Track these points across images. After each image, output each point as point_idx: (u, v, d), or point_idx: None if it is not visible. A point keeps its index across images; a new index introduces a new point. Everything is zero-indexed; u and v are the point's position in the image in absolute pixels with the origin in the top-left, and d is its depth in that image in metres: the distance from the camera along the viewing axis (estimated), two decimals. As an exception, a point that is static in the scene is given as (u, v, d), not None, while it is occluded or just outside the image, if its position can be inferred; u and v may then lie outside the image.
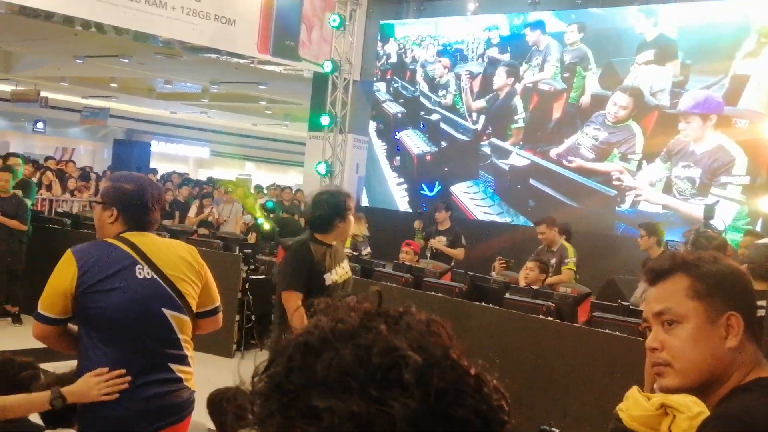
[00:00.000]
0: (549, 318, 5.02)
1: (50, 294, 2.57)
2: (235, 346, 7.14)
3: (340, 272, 3.81)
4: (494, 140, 11.56)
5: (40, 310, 2.57)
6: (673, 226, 8.77)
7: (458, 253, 8.11)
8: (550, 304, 5.11)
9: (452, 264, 7.58)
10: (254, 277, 7.43)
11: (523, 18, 11.40)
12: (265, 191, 13.68)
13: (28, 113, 24.89)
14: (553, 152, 10.85)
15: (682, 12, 9.93)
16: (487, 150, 11.63)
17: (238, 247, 7.70)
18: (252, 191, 13.41)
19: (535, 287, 5.75)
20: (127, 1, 10.10)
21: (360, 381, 0.70)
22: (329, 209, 3.79)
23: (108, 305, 2.54)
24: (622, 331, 4.59)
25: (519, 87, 11.33)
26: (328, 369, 0.71)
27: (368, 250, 8.46)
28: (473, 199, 11.72)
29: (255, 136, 30.04)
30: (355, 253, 7.90)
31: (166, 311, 2.60)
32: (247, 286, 7.22)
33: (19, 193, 7.49)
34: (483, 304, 5.36)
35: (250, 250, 7.88)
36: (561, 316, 5.08)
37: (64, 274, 2.54)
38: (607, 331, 4.68)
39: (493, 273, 6.97)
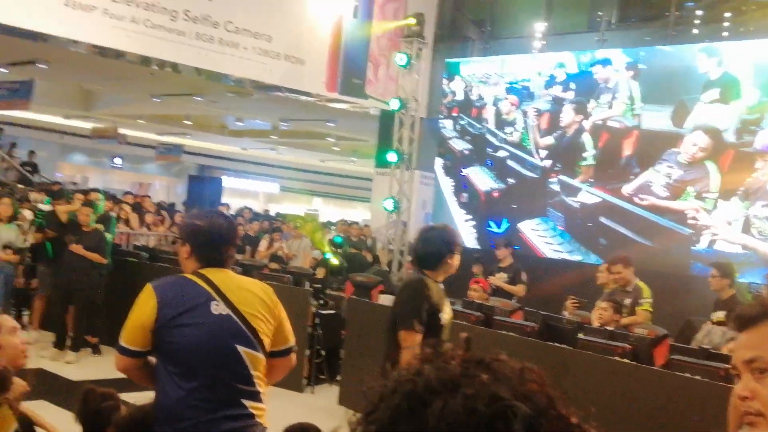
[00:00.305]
0: (625, 360, 4.87)
1: (131, 327, 2.64)
2: (305, 381, 7.18)
3: (448, 311, 3.71)
4: (563, 177, 11.42)
5: (121, 342, 2.65)
6: (753, 267, 8.46)
7: (518, 290, 8.00)
8: (626, 345, 4.97)
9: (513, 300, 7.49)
10: (324, 311, 7.49)
11: (590, 56, 11.32)
12: (334, 227, 13.82)
13: (107, 150, 25.90)
14: (625, 190, 10.64)
15: (753, 49, 9.69)
16: (555, 187, 11.50)
17: (307, 282, 7.77)
18: (321, 226, 13.59)
19: (609, 328, 5.60)
20: (202, 42, 10.47)
21: (470, 431, 0.70)
22: (441, 245, 3.72)
23: (184, 340, 2.59)
24: (703, 375, 4.42)
25: (587, 124, 11.20)
26: (438, 419, 0.71)
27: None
28: (542, 237, 11.57)
29: (323, 172, 30.50)
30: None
31: (239, 347, 2.63)
32: (316, 321, 7.28)
33: (101, 227, 7.75)
34: (556, 344, 5.25)
35: (319, 285, 7.95)
36: (637, 359, 4.93)
37: (144, 307, 2.61)
38: (687, 375, 4.51)
39: (565, 312, 6.83)
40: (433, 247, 3.72)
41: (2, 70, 15.92)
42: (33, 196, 11.07)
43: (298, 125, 20.56)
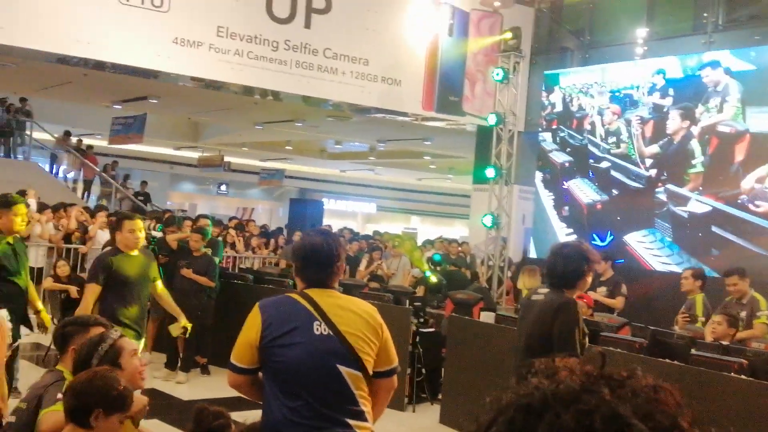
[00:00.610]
0: (742, 376, 4.63)
1: (240, 345, 2.73)
2: (406, 399, 7.19)
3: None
4: (670, 186, 11.00)
5: (231, 360, 2.74)
6: None
7: (616, 302, 7.78)
8: (743, 360, 4.72)
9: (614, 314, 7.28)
10: (424, 330, 7.48)
11: (697, 59, 10.90)
12: (432, 245, 13.83)
13: (213, 177, 27.00)
14: (738, 197, 10.14)
15: None
16: (662, 197, 11.09)
17: (407, 301, 7.80)
18: (419, 245, 13.61)
19: (724, 343, 5.34)
20: (302, 69, 10.79)
21: None
22: (581, 262, 3.67)
23: (287, 359, 2.65)
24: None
25: (696, 130, 10.76)
26: None
27: None
28: (649, 249, 11.16)
29: (420, 191, 30.63)
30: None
31: (341, 368, 2.66)
32: (417, 339, 7.28)
33: (209, 251, 8.07)
34: (667, 360, 5.05)
35: (419, 303, 7.96)
36: (755, 374, 4.67)
37: (251, 326, 2.70)
38: (812, 391, 4.24)
39: (676, 327, 6.56)
40: (574, 264, 3.67)
41: (117, 106, 16.94)
42: (146, 223, 11.66)
43: (395, 145, 20.78)
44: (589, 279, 3.68)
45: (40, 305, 5.51)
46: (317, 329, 2.67)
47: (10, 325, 4.15)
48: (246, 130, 20.42)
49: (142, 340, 5.17)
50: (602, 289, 7.89)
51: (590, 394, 0.73)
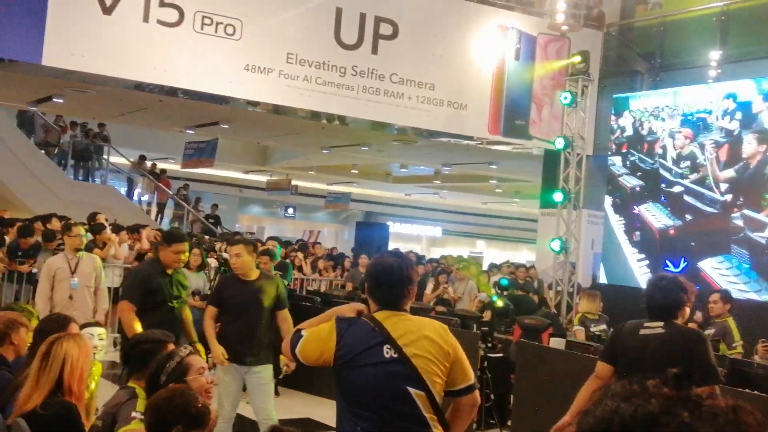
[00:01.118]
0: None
1: (310, 348, 2.77)
2: (475, 425, 7.10)
3: None
4: (747, 212, 10.64)
5: (296, 351, 2.78)
6: None
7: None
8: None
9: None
10: (492, 355, 7.40)
11: (774, 81, 10.56)
12: (498, 269, 13.69)
13: (281, 200, 27.48)
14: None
15: None
16: (739, 222, 10.72)
17: (475, 325, 7.73)
18: (484, 269, 13.49)
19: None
20: (368, 95, 10.92)
21: None
22: (679, 293, 3.84)
23: (359, 380, 2.69)
24: None
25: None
26: None
27: (603, 327, 8.04)
28: (725, 275, 10.78)
29: (485, 215, 30.43)
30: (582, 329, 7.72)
31: (410, 389, 2.67)
32: (485, 365, 7.20)
33: (278, 274, 8.19)
34: (747, 390, 4.86)
35: (486, 328, 7.88)
36: None
37: (327, 339, 2.74)
38: None
39: (756, 357, 6.32)
40: (673, 295, 3.81)
41: (189, 131, 17.46)
42: (217, 245, 11.93)
43: (460, 169, 20.74)
44: (688, 310, 3.82)
45: (195, 337, 5.47)
46: (387, 352, 2.69)
47: (97, 342, 4.26)
48: (313, 154, 20.74)
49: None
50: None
51: (670, 416, 0.72)
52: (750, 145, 10.70)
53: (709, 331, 6.37)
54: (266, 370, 5.46)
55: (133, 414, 2.83)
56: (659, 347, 3.75)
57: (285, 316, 5.42)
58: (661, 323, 3.83)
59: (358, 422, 2.68)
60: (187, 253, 5.40)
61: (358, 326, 2.79)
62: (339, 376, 2.73)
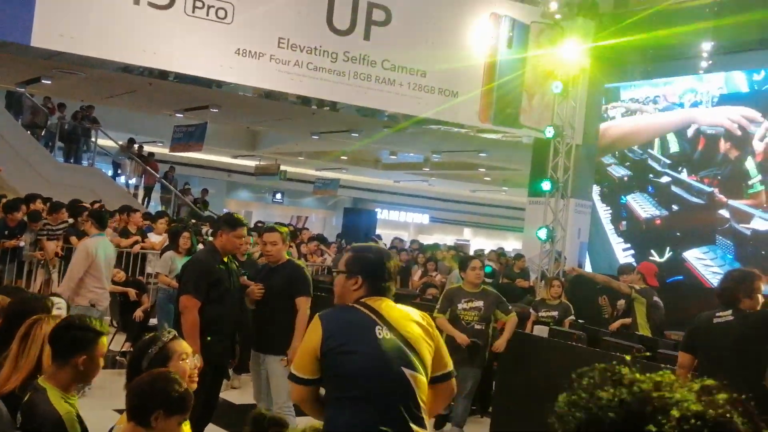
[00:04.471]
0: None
1: (301, 356, 2.79)
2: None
3: None
4: (733, 203, 10.75)
5: (293, 370, 2.79)
6: None
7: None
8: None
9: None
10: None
11: (764, 73, 10.63)
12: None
13: (269, 186, 27.39)
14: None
15: None
16: (725, 213, 10.83)
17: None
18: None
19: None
20: (360, 81, 10.90)
21: None
22: (748, 280, 4.33)
23: (352, 366, 2.69)
24: None
25: (759, 146, 10.49)
26: None
27: (554, 313, 8.00)
28: (709, 266, 10.90)
29: (473, 202, 30.49)
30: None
31: (406, 371, 2.69)
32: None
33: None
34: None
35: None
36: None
37: (313, 337, 2.75)
38: None
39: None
40: (730, 283, 4.39)
41: (179, 115, 17.37)
42: (203, 229, 11.91)
43: (450, 156, 20.77)
44: (758, 296, 4.27)
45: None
46: (379, 333, 2.71)
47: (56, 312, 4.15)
48: (302, 140, 20.69)
49: None
50: (621, 302, 8.05)
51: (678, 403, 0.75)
52: (733, 138, 10.80)
53: None
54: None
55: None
56: (730, 333, 4.20)
57: (301, 304, 5.07)
58: (730, 311, 4.24)
59: (352, 410, 2.67)
60: (249, 238, 5.27)
61: (344, 312, 2.83)
62: (330, 365, 2.71)
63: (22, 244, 9.27)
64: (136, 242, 10.46)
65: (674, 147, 11.70)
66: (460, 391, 5.39)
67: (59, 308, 4.53)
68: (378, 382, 2.68)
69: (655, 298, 7.66)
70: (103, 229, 7.30)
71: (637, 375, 0.84)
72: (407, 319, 2.79)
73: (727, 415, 0.76)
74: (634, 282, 7.92)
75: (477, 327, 6.23)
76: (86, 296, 6.71)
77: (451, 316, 6.28)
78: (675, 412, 0.75)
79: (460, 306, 6.29)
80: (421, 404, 2.72)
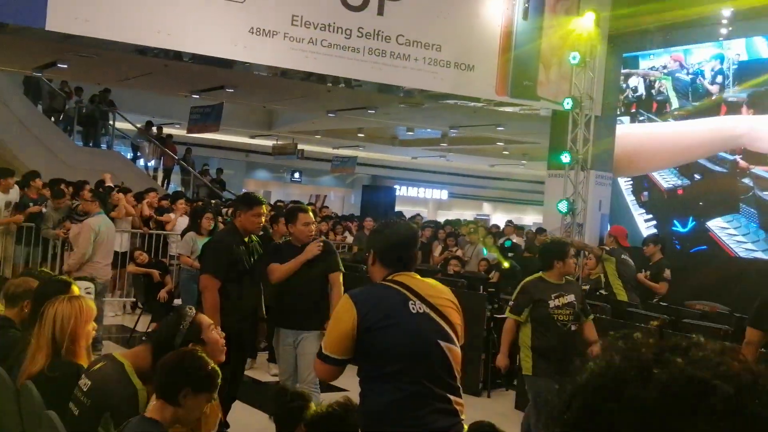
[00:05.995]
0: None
1: (335, 337, 2.77)
2: (481, 385, 7.19)
3: None
4: (756, 170, 10.58)
5: (325, 351, 2.77)
6: None
7: (660, 287, 8.03)
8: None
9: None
10: (498, 315, 7.44)
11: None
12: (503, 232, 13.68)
13: (287, 165, 27.42)
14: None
15: None
16: (748, 182, 10.68)
17: (481, 287, 7.78)
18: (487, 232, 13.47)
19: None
20: (375, 57, 10.81)
21: (666, 417, 0.69)
22: None
23: (388, 342, 2.69)
24: None
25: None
26: (632, 409, 0.71)
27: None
28: (733, 235, 10.77)
29: (492, 177, 30.33)
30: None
31: (441, 343, 2.72)
32: (491, 325, 7.26)
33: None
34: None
35: (493, 289, 7.93)
36: None
37: (346, 317, 2.73)
38: None
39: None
40: None
41: (195, 96, 17.37)
42: (224, 210, 11.95)
43: (467, 131, 20.63)
44: None
45: (263, 312, 5.14)
46: (413, 308, 2.73)
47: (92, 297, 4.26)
48: (319, 118, 20.64)
49: None
50: (646, 273, 8.16)
51: (664, 363, 0.73)
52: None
53: None
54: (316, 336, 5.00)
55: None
56: None
57: (335, 279, 5.00)
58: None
59: (392, 385, 2.67)
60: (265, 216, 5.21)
61: (376, 290, 2.84)
62: (367, 343, 2.70)
63: (44, 209, 9.48)
64: (151, 217, 10.65)
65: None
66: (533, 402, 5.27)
67: (89, 292, 4.60)
68: (416, 356, 2.69)
69: (624, 256, 7.96)
70: (103, 207, 7.83)
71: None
72: (437, 292, 2.83)
73: None
74: (610, 245, 8.40)
75: (573, 328, 5.11)
76: (87, 270, 7.13)
77: (539, 317, 5.10)
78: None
79: (551, 304, 5.09)
80: (457, 375, 2.76)
